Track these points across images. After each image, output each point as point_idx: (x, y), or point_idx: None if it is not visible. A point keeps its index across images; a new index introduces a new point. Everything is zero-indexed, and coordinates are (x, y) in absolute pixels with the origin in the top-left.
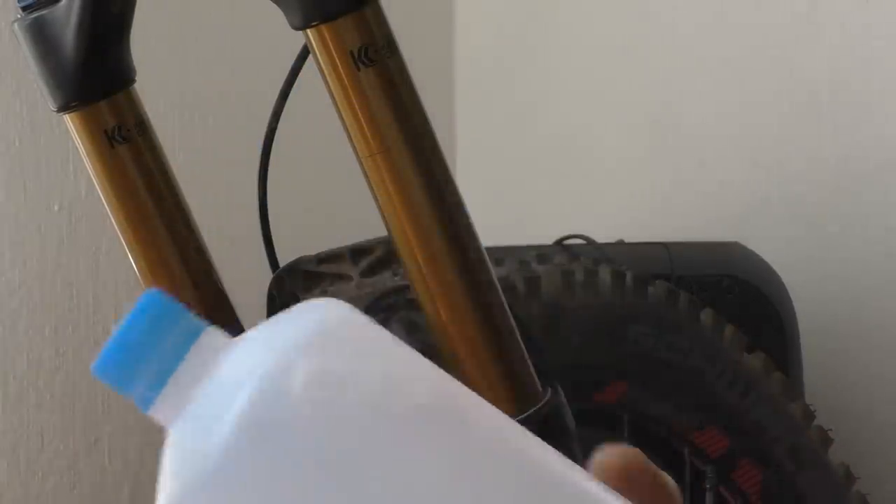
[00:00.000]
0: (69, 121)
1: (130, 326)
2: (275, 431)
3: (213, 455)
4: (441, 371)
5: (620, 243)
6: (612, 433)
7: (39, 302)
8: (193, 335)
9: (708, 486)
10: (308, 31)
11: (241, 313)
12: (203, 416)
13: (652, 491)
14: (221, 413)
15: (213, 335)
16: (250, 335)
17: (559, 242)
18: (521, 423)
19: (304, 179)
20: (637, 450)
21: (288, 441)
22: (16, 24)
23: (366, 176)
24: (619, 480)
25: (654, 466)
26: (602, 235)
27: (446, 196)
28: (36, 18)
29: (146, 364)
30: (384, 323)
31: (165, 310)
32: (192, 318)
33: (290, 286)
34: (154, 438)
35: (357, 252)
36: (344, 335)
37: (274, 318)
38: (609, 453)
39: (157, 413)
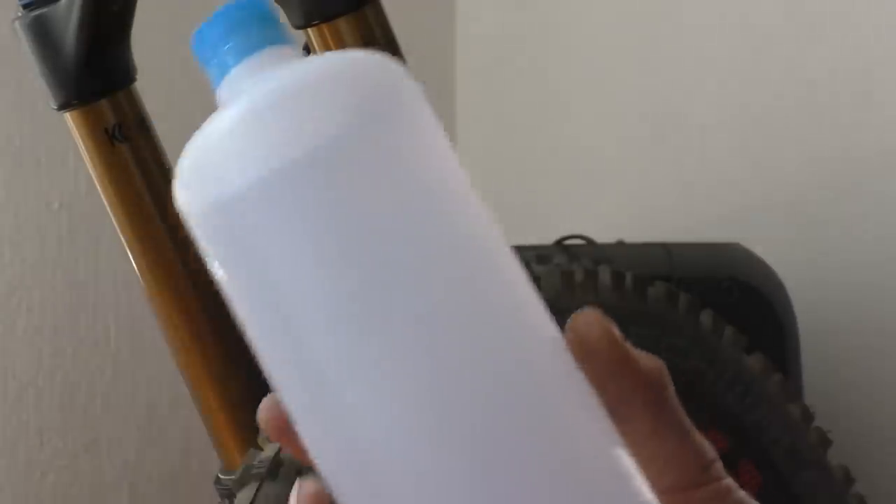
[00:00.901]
0: (70, 119)
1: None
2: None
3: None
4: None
5: (620, 244)
6: None
7: (39, 301)
8: (276, 39)
9: None
10: (309, 30)
11: None
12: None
13: (616, 370)
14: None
15: (290, 48)
16: (313, 59)
17: (559, 242)
18: None
19: None
20: (605, 323)
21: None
22: (16, 23)
23: None
24: (576, 353)
25: (623, 346)
26: (602, 235)
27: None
28: (37, 17)
29: (229, 38)
30: None
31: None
32: (279, 28)
33: None
34: (154, 438)
35: None
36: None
37: (340, 57)
38: (574, 319)
39: (223, 87)
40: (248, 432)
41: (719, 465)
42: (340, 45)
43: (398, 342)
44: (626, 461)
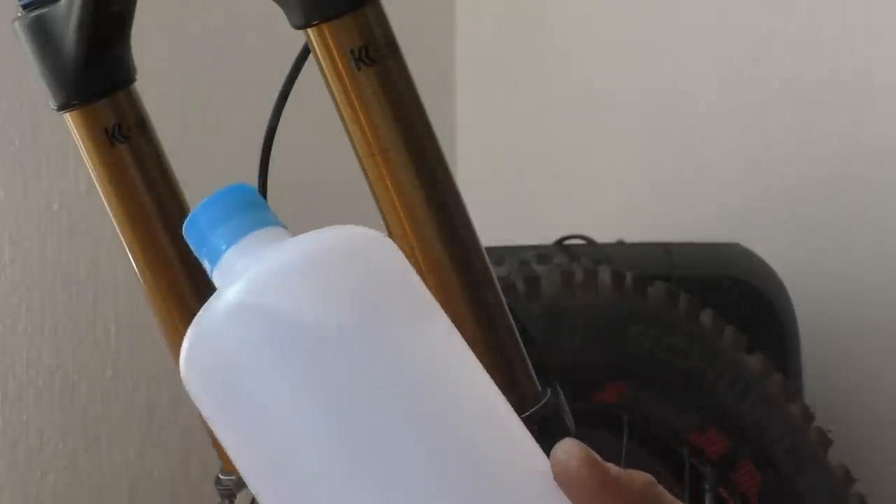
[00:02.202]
0: (69, 119)
1: (214, 198)
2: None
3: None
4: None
5: (620, 243)
6: (611, 434)
7: (39, 301)
8: (263, 222)
9: (707, 487)
10: (308, 30)
11: None
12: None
13: (601, 495)
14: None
15: (277, 229)
16: (288, 243)
17: (559, 242)
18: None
19: (304, 179)
20: (583, 450)
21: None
22: (16, 23)
23: (366, 176)
24: (561, 483)
25: (605, 471)
26: (602, 235)
27: (446, 196)
28: (36, 17)
29: (217, 226)
30: None
31: (245, 193)
32: (264, 211)
33: None
34: (153, 437)
35: None
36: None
37: (312, 236)
38: (554, 451)
39: (216, 274)
40: None
41: None
42: (340, 44)
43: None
44: None
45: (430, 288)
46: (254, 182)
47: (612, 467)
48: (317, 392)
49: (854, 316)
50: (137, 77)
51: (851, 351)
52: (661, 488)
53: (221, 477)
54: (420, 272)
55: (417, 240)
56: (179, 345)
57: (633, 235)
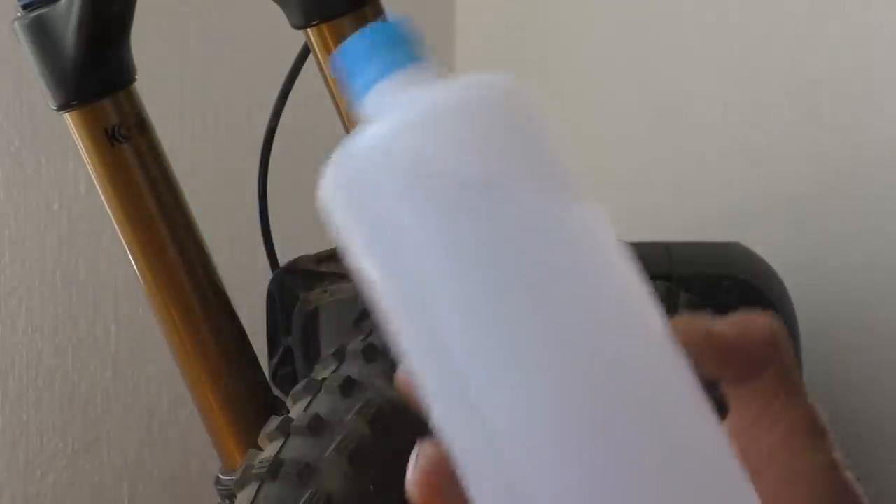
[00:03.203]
0: (69, 119)
1: (372, 28)
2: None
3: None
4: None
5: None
6: None
7: (39, 301)
8: (415, 58)
9: None
10: (309, 30)
11: (241, 313)
12: (362, 125)
13: (723, 353)
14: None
15: (429, 66)
16: (437, 85)
17: None
18: None
19: (304, 179)
20: (692, 320)
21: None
22: (16, 23)
23: None
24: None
25: (720, 331)
26: None
27: None
28: (36, 17)
29: (371, 56)
30: None
31: (403, 28)
32: (419, 47)
33: (290, 286)
34: (153, 438)
35: None
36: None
37: (453, 80)
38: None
39: (364, 106)
40: (248, 432)
41: (830, 437)
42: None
43: (534, 338)
44: (727, 453)
45: None
46: (253, 183)
47: (730, 322)
48: (449, 241)
49: (854, 315)
50: (137, 77)
51: (851, 350)
52: (782, 339)
53: (221, 477)
54: None
55: None
56: (180, 345)
57: (633, 235)
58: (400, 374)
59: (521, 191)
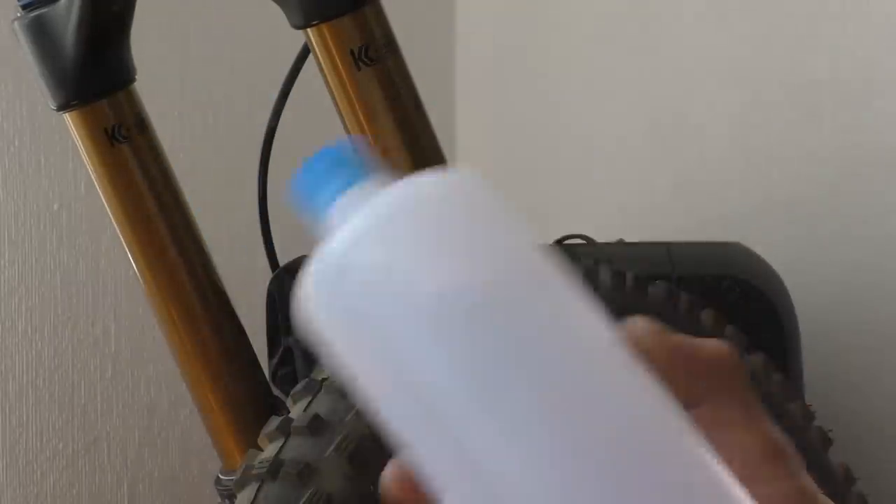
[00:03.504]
0: (69, 120)
1: (314, 159)
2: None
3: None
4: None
5: (620, 243)
6: None
7: (38, 301)
8: (359, 176)
9: None
10: (308, 30)
11: (241, 313)
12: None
13: (674, 359)
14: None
15: (376, 178)
16: (385, 193)
17: (559, 242)
18: None
19: None
20: (652, 322)
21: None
22: (16, 23)
23: None
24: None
25: (674, 336)
26: (602, 235)
27: None
28: (36, 17)
29: (316, 189)
30: None
31: (339, 151)
32: (361, 164)
33: (290, 286)
34: (153, 438)
35: None
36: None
37: (412, 182)
38: (626, 327)
39: (322, 235)
40: (248, 432)
41: (795, 462)
42: (340, 44)
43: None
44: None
45: None
46: (253, 183)
47: (687, 337)
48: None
49: (854, 315)
50: (137, 77)
51: (851, 350)
52: (737, 365)
53: (221, 477)
54: None
55: None
56: (179, 345)
57: (633, 235)
58: (393, 471)
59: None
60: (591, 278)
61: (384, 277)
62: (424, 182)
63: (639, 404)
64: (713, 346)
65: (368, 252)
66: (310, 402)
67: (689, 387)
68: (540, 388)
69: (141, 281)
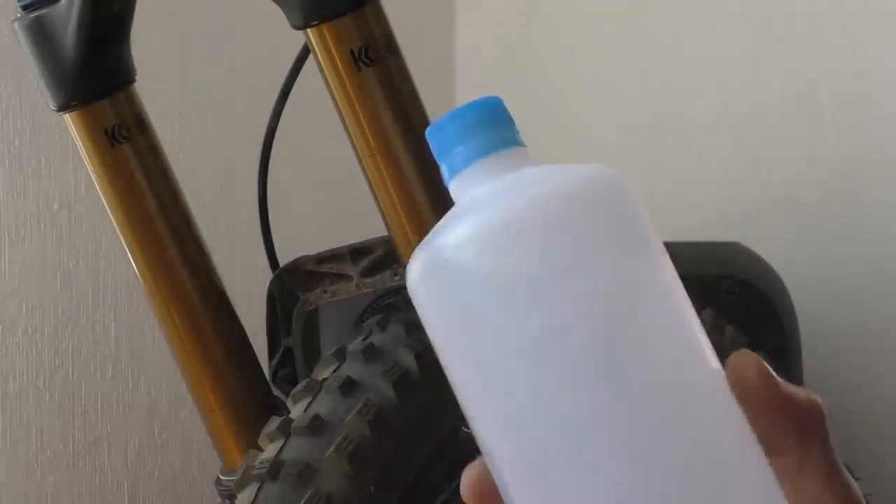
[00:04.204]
0: (69, 120)
1: (466, 108)
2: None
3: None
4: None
5: None
6: None
7: (39, 302)
8: (510, 141)
9: None
10: (308, 30)
11: (241, 313)
12: (454, 213)
13: (769, 406)
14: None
15: (522, 151)
16: (529, 172)
17: None
18: None
19: (304, 179)
20: (760, 363)
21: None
22: (16, 24)
23: (366, 176)
24: (735, 390)
25: (776, 384)
26: None
27: (446, 196)
28: (36, 17)
29: (465, 137)
30: (384, 322)
31: (498, 108)
32: (514, 131)
33: (290, 286)
34: (153, 438)
35: (357, 252)
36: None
37: (547, 170)
38: (731, 359)
39: (456, 185)
40: (249, 432)
41: None
42: (340, 44)
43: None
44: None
45: None
46: (253, 183)
47: (785, 383)
48: (521, 338)
49: (854, 316)
50: (137, 77)
51: (851, 350)
52: (823, 417)
53: (222, 477)
54: None
55: (417, 239)
56: (179, 345)
57: None
58: (471, 475)
59: (602, 281)
60: None
61: (509, 280)
62: (566, 183)
63: (728, 442)
64: (805, 395)
65: (497, 251)
66: (310, 403)
67: (778, 433)
68: (636, 407)
69: (141, 281)
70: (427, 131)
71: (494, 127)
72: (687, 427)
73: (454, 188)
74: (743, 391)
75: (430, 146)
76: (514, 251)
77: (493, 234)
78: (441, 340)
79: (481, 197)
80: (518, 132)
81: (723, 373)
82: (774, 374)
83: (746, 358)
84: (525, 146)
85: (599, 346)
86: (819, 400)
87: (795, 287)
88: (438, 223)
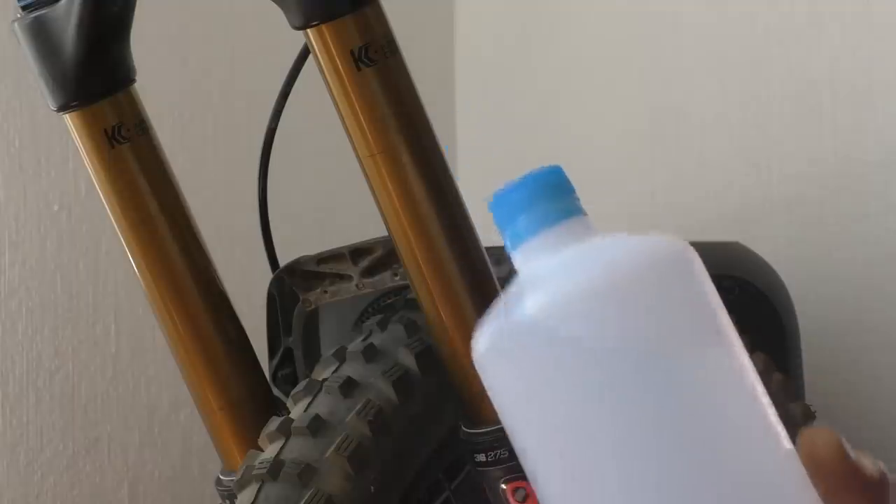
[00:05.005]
0: (69, 121)
1: (529, 178)
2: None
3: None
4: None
5: None
6: None
7: (39, 302)
8: (573, 211)
9: None
10: (308, 30)
11: (241, 313)
12: (524, 283)
13: (843, 484)
14: (523, 297)
15: (585, 220)
16: (607, 238)
17: None
18: None
19: (304, 179)
20: (835, 440)
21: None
22: (16, 24)
23: (366, 176)
24: (807, 465)
25: (851, 462)
26: None
27: (446, 196)
28: (36, 17)
29: (528, 208)
30: (384, 323)
31: (560, 178)
32: (576, 200)
33: (290, 286)
34: (153, 438)
35: (357, 252)
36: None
37: (617, 240)
38: (805, 435)
39: (519, 255)
40: (249, 432)
41: None
42: (340, 44)
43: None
44: None
45: (429, 286)
46: (253, 183)
47: (856, 455)
48: (601, 411)
49: (854, 316)
50: (137, 77)
51: (851, 349)
52: (888, 487)
53: (222, 477)
54: (420, 273)
55: (417, 240)
56: (180, 345)
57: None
58: None
59: (671, 356)
60: None
61: (586, 351)
62: (640, 255)
63: None
64: (874, 467)
65: (574, 322)
66: (310, 403)
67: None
68: (711, 488)
69: (141, 281)
70: (490, 200)
71: (559, 196)
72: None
73: (519, 257)
74: (816, 469)
75: (493, 214)
76: (591, 322)
77: (571, 305)
78: (512, 408)
79: (553, 268)
80: (579, 200)
81: (794, 452)
82: (847, 446)
83: (820, 435)
84: (587, 214)
85: (674, 423)
86: (885, 470)
87: (795, 287)
88: (506, 294)
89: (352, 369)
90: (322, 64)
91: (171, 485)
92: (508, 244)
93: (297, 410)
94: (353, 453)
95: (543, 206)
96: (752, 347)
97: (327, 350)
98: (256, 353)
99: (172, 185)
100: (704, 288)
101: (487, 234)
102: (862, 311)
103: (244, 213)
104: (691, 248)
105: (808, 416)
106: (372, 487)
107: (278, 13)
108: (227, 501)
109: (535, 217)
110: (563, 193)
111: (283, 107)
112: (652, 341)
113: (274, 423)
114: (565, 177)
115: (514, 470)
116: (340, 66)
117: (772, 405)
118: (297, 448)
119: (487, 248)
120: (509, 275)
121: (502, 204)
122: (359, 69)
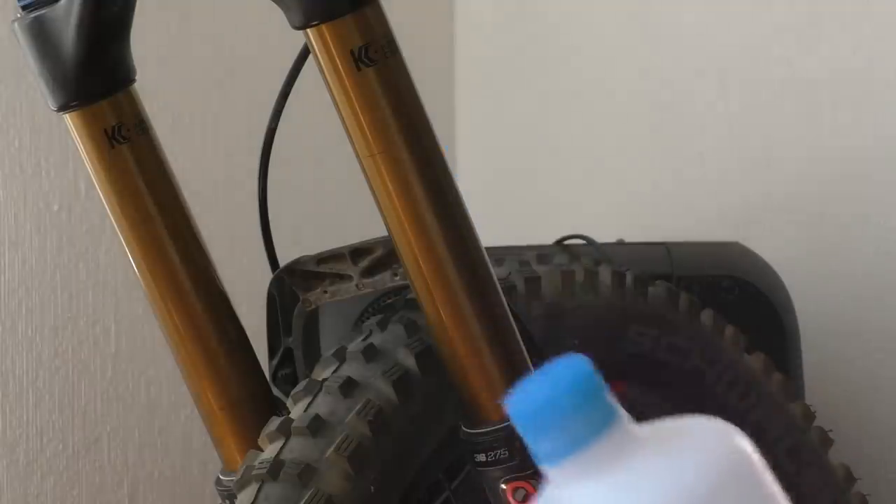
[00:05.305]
0: (69, 121)
1: (555, 387)
2: None
3: None
4: None
5: (620, 243)
6: None
7: (39, 302)
8: (609, 419)
9: None
10: (308, 30)
11: (241, 313)
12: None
13: None
14: None
15: (623, 427)
16: (651, 447)
17: (559, 242)
18: None
19: (304, 179)
20: None
21: None
22: (15, 24)
23: (366, 176)
24: None
25: None
26: (602, 235)
27: (446, 196)
28: (36, 17)
29: (558, 427)
30: (384, 323)
31: (590, 383)
32: (610, 401)
33: (290, 286)
34: (153, 438)
35: (357, 252)
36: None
37: (673, 431)
38: None
39: (552, 473)
40: (249, 432)
41: None
42: (340, 44)
43: None
44: None
45: (429, 286)
46: (253, 183)
47: None
48: None
49: (854, 316)
50: (137, 77)
51: (851, 350)
52: None
53: (222, 478)
54: (420, 273)
55: (417, 240)
56: (180, 345)
57: (633, 235)
58: None
59: None
60: (590, 278)
61: None
62: (696, 478)
63: None
64: None
65: None
66: (310, 403)
67: None
68: None
69: (141, 281)
70: (511, 406)
71: (592, 406)
72: None
73: (554, 476)
74: None
75: (514, 420)
76: None
77: None
78: None
79: (598, 499)
80: (613, 397)
81: None
82: None
83: None
84: (625, 414)
85: None
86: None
87: (795, 287)
88: None
89: (352, 369)
90: (322, 64)
91: (171, 485)
92: (538, 457)
93: (297, 410)
94: (353, 453)
95: (577, 421)
96: (752, 347)
97: (327, 350)
98: (256, 353)
99: (172, 185)
100: (762, 478)
101: (487, 233)
102: (862, 311)
103: (244, 213)
104: (739, 432)
105: (808, 416)
106: (372, 487)
107: (278, 13)
108: (227, 501)
109: (570, 437)
110: (596, 400)
111: (283, 107)
112: None
113: (274, 423)
114: (594, 376)
115: (514, 470)
116: (340, 66)
117: None
118: (297, 448)
119: (487, 248)
120: (509, 275)
121: (526, 414)
122: (359, 69)
